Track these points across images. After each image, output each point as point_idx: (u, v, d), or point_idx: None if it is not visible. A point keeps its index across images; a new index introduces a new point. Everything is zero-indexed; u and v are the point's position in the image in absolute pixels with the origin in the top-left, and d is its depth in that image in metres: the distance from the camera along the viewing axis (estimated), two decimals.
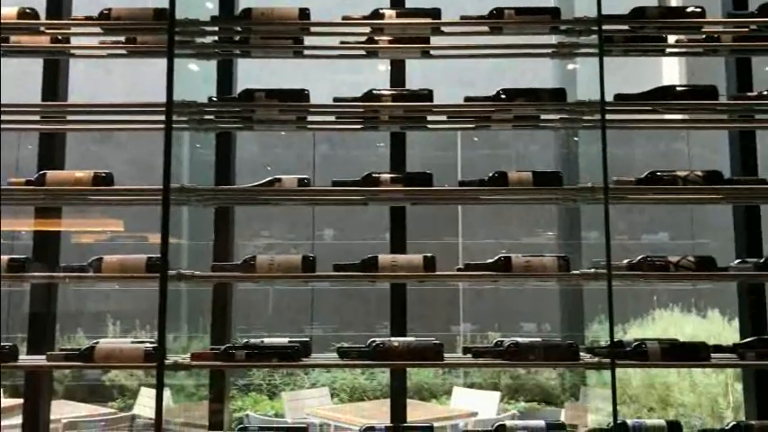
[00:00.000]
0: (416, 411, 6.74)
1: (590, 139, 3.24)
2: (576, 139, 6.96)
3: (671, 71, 8.79)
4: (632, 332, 6.27)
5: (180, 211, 4.87)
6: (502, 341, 2.94)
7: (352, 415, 6.50)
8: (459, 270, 2.83)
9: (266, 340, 3.01)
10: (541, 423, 2.98)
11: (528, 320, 8.59)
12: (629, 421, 2.93)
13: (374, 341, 2.94)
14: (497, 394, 7.07)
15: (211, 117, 3.01)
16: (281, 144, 9.17)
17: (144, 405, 6.52)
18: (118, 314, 8.17)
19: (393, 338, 2.83)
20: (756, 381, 3.26)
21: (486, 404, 6.97)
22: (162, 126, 2.70)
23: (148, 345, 2.81)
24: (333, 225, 9.07)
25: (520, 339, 2.83)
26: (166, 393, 6.73)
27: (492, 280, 2.83)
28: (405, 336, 3.12)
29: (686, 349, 2.78)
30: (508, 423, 2.95)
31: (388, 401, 7.03)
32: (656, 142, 8.87)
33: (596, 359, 2.75)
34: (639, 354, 2.76)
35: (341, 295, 8.81)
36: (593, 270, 2.76)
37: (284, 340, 3.00)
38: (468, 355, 2.83)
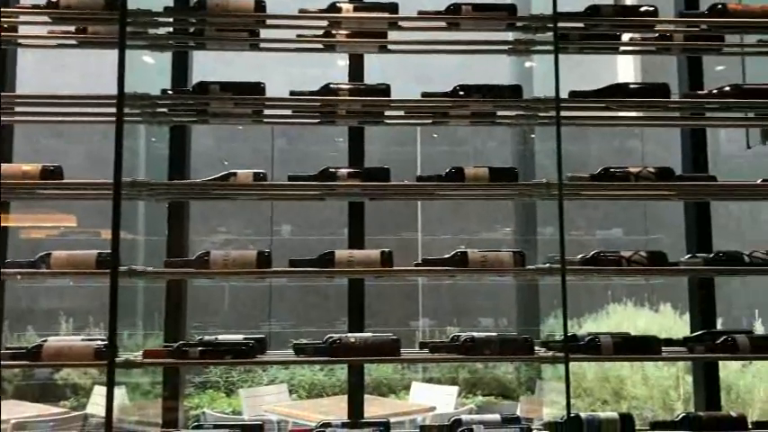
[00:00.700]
0: (374, 407, 6.75)
1: (546, 135, 3.27)
2: (532, 135, 7.03)
3: (626, 69, 8.94)
4: (587, 326, 6.37)
5: (135, 206, 4.78)
6: (458, 336, 2.96)
7: (311, 411, 6.48)
8: (416, 265, 2.83)
9: (221, 337, 2.97)
10: (497, 416, 3.00)
11: (485, 315, 8.68)
12: (582, 415, 2.96)
13: (331, 337, 2.92)
14: (455, 389, 7.13)
15: (165, 110, 2.96)
16: (239, 138, 9.08)
17: (97, 404, 6.39)
18: (71, 311, 7.99)
19: (350, 334, 2.82)
20: (705, 373, 3.33)
21: (444, 399, 7.02)
22: (114, 119, 2.64)
23: (99, 342, 2.75)
24: (291, 221, 9.01)
25: (476, 334, 2.84)
26: (121, 391, 6.63)
27: (449, 275, 2.83)
28: (362, 331, 3.11)
29: (638, 343, 2.83)
30: (464, 417, 2.97)
31: (346, 397, 7.04)
32: (611, 139, 9.02)
33: (550, 353, 2.78)
34: (593, 347, 2.79)
35: (299, 291, 8.78)
36: (547, 265, 2.78)
37: (239, 337, 2.97)
38: (425, 351, 2.84)
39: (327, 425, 2.94)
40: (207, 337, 2.96)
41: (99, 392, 6.57)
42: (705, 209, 3.35)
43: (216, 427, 2.90)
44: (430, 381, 8.12)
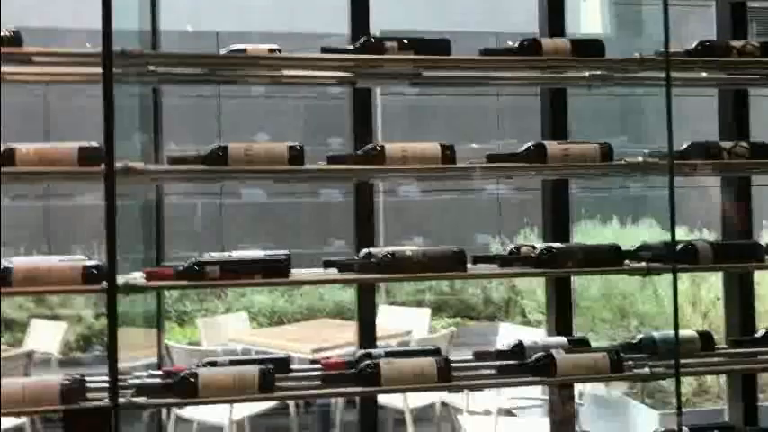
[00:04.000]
0: (348, 332, 6.32)
1: None
2: None
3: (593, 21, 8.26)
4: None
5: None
6: (518, 248, 2.49)
7: (279, 339, 6.01)
8: (487, 160, 2.30)
9: (235, 253, 2.40)
10: (563, 340, 2.58)
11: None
12: (656, 333, 2.59)
13: (369, 252, 2.40)
14: (427, 311, 6.77)
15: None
16: None
17: (36, 339, 5.74)
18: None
19: (405, 248, 2.29)
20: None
21: (415, 322, 6.65)
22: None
23: (86, 263, 2.13)
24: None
25: (554, 245, 2.37)
26: (62, 327, 5.97)
27: (524, 172, 2.33)
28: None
29: (738, 250, 2.42)
30: (526, 341, 2.53)
31: (311, 324, 6.49)
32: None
33: (643, 264, 2.34)
34: (690, 255, 2.37)
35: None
36: (640, 159, 2.31)
37: (260, 253, 2.41)
38: (493, 265, 2.35)
39: (368, 354, 2.44)
40: (215, 254, 2.38)
41: (37, 327, 5.91)
42: None
43: (235, 362, 2.34)
44: (393, 304, 7.75)
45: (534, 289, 5.84)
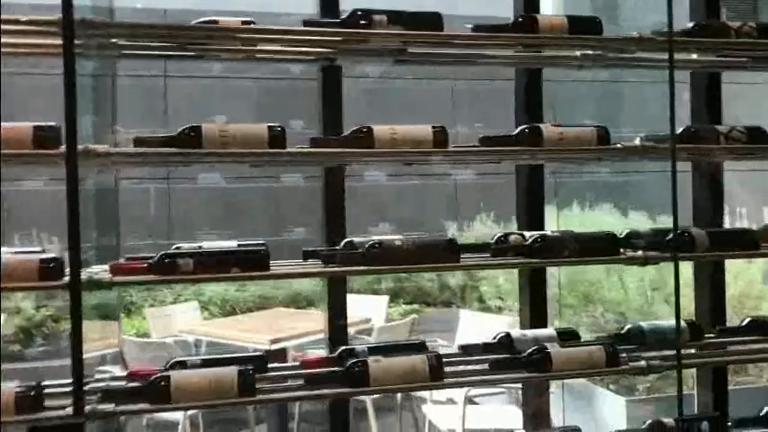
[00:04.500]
0: (304, 322, 6.14)
1: None
2: None
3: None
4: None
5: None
6: (505, 236, 2.37)
7: (233, 330, 5.78)
8: (473, 145, 2.16)
9: (206, 244, 2.21)
10: (551, 332, 2.48)
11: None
12: (644, 324, 2.52)
13: (351, 241, 2.25)
14: (385, 298, 6.64)
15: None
16: None
17: None
18: None
19: (393, 236, 2.14)
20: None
21: (373, 310, 6.52)
22: None
23: (42, 256, 1.91)
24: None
25: (546, 233, 2.26)
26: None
27: (516, 156, 2.20)
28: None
29: (733, 237, 2.36)
30: (513, 333, 2.42)
31: (265, 313, 6.27)
32: None
33: (640, 253, 2.25)
34: (685, 243, 2.29)
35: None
36: (638, 143, 2.21)
37: (231, 243, 2.22)
38: (486, 254, 2.21)
39: (351, 351, 2.29)
40: (185, 245, 2.18)
41: None
42: None
43: (207, 363, 2.15)
44: (349, 292, 7.59)
45: (495, 275, 5.77)
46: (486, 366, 2.18)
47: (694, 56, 2.50)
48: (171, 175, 6.66)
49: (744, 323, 2.63)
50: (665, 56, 2.22)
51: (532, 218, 2.76)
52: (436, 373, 2.05)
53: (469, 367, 2.19)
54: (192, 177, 6.11)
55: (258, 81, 7.02)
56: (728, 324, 2.81)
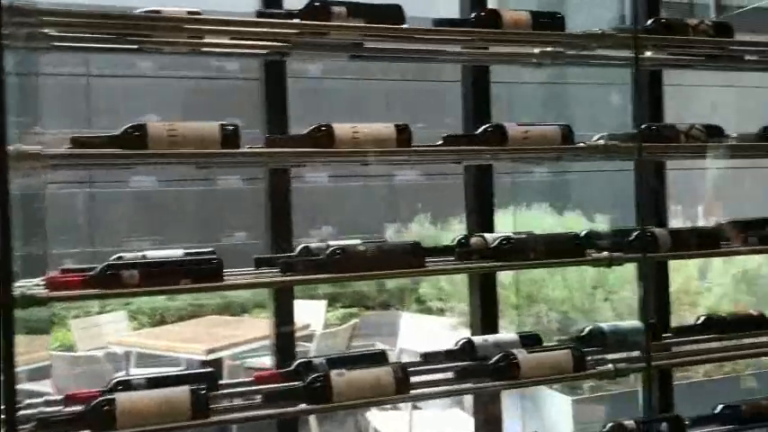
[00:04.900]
0: (241, 329, 5.94)
1: None
2: None
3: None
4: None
5: None
6: (465, 238, 2.29)
7: (165, 340, 5.54)
8: (443, 142, 2.06)
9: (150, 253, 2.04)
10: (514, 336, 2.41)
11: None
12: (604, 325, 2.49)
13: (306, 247, 2.14)
14: (323, 303, 6.50)
15: None
16: None
17: None
18: None
19: (355, 242, 2.02)
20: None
21: (311, 315, 6.36)
22: None
23: None
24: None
25: (512, 234, 2.18)
26: None
27: (484, 155, 2.12)
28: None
29: (699, 235, 2.34)
30: (475, 339, 2.34)
31: (197, 322, 6.03)
32: None
33: (605, 253, 2.20)
34: (648, 243, 2.26)
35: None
36: (600, 142, 2.17)
37: (178, 252, 2.05)
38: (450, 258, 2.12)
39: (308, 364, 2.15)
40: (128, 255, 2.01)
41: None
42: None
43: (153, 382, 1.98)
44: None
45: (437, 278, 5.72)
46: (450, 375, 2.09)
47: (648, 53, 2.47)
48: (100, 178, 6.31)
49: (699, 321, 2.63)
50: (625, 53, 2.19)
51: (483, 219, 2.71)
52: (402, 385, 1.95)
53: (435, 377, 2.10)
54: (122, 180, 5.79)
55: (187, 80, 6.75)
56: (674, 323, 2.84)
